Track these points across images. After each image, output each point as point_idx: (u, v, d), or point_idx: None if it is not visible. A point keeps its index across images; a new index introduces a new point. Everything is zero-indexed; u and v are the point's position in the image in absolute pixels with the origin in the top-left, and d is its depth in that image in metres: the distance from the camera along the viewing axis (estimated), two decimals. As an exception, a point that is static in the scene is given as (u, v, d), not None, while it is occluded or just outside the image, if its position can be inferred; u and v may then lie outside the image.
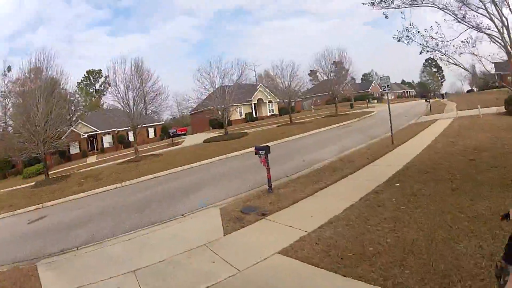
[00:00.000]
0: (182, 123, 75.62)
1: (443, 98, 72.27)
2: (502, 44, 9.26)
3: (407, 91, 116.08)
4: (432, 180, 9.25)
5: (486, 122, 20.70)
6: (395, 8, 10.63)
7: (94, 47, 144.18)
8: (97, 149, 50.35)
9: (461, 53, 9.84)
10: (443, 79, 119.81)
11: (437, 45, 10.12)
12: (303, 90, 50.13)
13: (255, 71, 68.31)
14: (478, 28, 9.57)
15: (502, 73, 18.38)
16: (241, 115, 55.94)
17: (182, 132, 56.12)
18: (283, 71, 41.22)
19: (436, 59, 10.98)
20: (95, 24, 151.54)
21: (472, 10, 9.53)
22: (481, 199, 7.08)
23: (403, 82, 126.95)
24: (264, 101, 60.09)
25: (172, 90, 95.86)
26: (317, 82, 70.33)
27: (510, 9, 8.79)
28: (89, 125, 50.29)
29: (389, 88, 18.13)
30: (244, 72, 36.81)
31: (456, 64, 10.05)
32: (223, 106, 33.74)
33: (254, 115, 58.35)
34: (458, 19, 9.79)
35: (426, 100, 44.24)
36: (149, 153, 30.20)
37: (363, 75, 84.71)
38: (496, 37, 9.40)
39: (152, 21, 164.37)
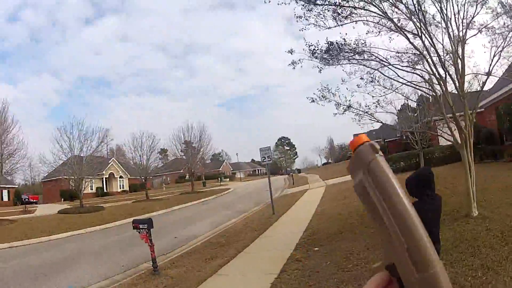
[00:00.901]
0: (33, 190, 68.56)
1: (299, 173, 79.20)
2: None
3: (258, 169, 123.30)
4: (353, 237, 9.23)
5: None
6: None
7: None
8: None
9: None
10: (295, 156, 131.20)
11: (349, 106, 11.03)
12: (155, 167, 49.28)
13: (107, 145, 66.06)
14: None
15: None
16: (91, 189, 52.73)
17: (34, 200, 50.33)
18: (143, 144, 40.12)
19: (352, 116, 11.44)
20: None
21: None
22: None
23: (253, 161, 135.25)
24: (116, 176, 59.63)
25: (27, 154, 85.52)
26: (167, 160, 71.57)
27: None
28: None
29: (269, 159, 18.37)
30: (104, 141, 35.75)
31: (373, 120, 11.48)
32: (80, 176, 30.87)
33: (105, 190, 57.50)
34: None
35: (289, 175, 47.14)
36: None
37: (213, 155, 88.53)
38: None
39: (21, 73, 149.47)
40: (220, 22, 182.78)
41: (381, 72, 10.77)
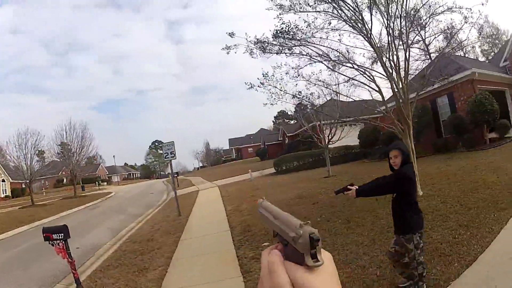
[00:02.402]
0: None
1: (177, 176, 77.16)
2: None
3: (132, 173, 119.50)
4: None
5: (266, 182, 22.29)
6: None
7: None
8: None
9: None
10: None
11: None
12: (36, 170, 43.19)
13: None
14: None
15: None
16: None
17: None
18: (27, 142, 33.79)
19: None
20: None
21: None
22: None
23: (126, 164, 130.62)
24: None
25: None
26: (45, 163, 64.81)
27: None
28: None
29: (173, 156, 16.46)
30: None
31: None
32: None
33: (-14, 196, 49.17)
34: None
35: (177, 176, 45.62)
36: None
37: (88, 158, 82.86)
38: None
39: None
40: (103, 21, 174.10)
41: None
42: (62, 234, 6.84)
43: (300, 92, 12.53)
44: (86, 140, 40.29)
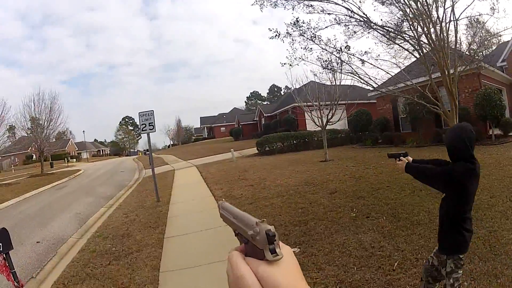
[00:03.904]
0: None
1: (145, 154, 74.41)
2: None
3: (102, 150, 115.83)
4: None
5: (251, 163, 20.69)
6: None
7: None
8: None
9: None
10: (139, 137, 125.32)
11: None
12: (3, 146, 38.83)
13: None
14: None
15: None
16: None
17: None
18: None
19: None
20: None
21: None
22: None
23: (96, 141, 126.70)
24: None
25: None
26: (15, 139, 60.65)
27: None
28: None
29: (151, 128, 13.56)
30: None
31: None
32: None
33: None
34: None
35: (145, 153, 43.39)
36: None
37: (58, 134, 79.07)
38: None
39: None
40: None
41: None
42: (0, 245, 4.20)
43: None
44: (55, 112, 36.38)
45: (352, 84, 17.15)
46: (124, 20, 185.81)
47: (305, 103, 20.07)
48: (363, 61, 10.74)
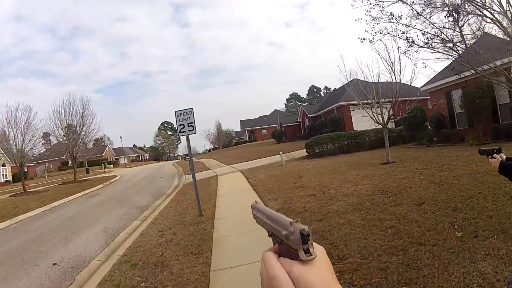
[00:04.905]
0: None
1: (185, 158, 73.02)
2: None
3: (141, 155, 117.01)
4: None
5: (304, 167, 18.50)
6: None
7: None
8: None
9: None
10: (178, 141, 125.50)
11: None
12: (38, 152, 38.04)
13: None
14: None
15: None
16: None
17: None
18: (17, 119, 28.23)
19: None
20: None
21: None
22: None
23: (134, 146, 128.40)
24: None
25: None
26: (49, 146, 61.13)
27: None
28: None
29: (191, 129, 11.11)
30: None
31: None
32: None
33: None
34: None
35: (185, 158, 42.34)
36: None
37: (95, 140, 79.96)
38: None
39: None
40: (108, 6, 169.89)
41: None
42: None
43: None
44: (87, 118, 35.26)
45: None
46: (156, 29, 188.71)
47: (363, 101, 17.62)
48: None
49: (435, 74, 22.13)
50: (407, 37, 10.62)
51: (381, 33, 10.27)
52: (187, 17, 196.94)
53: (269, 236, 0.81)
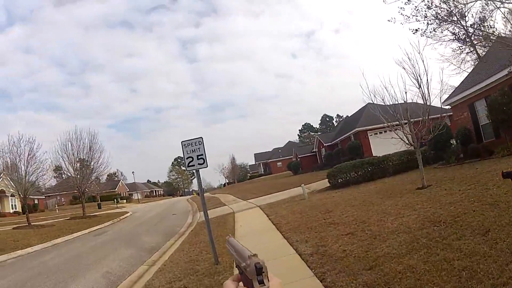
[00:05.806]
0: None
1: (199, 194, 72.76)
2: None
3: (155, 190, 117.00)
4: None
5: (330, 199, 16.80)
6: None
7: None
8: None
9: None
10: (192, 176, 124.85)
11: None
12: (44, 185, 36.98)
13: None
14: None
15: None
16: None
17: None
18: (20, 150, 27.79)
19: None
20: None
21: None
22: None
23: (149, 181, 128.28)
24: (7, 194, 47.14)
25: None
26: (61, 179, 60.93)
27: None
28: None
29: (202, 162, 9.46)
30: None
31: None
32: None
33: (-3, 211, 46.82)
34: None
35: (197, 194, 41.30)
36: None
37: (108, 175, 79.14)
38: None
39: None
40: (118, 41, 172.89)
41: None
42: None
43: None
44: (95, 152, 34.39)
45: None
46: (165, 65, 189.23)
47: (391, 123, 16.17)
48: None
49: (453, 89, 21.88)
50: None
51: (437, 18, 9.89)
52: (194, 52, 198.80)
53: (236, 267, 0.90)
